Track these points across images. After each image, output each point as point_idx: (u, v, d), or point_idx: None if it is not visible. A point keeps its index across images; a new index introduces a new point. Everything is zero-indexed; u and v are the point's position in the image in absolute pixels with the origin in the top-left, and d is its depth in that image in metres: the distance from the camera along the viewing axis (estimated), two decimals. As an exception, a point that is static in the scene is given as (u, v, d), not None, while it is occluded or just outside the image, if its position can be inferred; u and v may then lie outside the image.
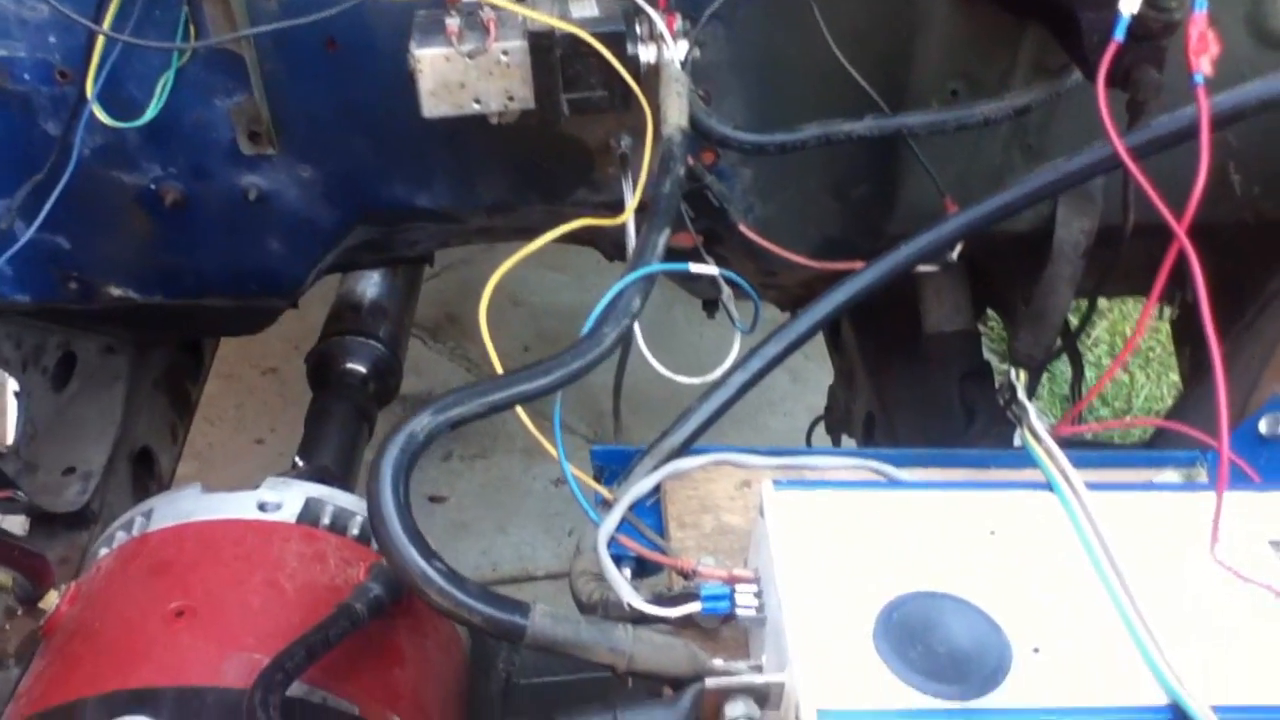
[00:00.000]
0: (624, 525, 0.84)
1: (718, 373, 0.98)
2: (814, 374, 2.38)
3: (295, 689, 0.84)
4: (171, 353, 1.73)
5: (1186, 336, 1.50)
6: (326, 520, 1.06)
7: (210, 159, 1.25)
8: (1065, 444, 0.87)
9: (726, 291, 1.09)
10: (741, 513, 0.90)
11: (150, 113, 1.16)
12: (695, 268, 0.98)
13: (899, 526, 0.75)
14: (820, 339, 1.80)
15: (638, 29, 1.08)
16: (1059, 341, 1.30)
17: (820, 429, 1.84)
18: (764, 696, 0.66)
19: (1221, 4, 0.90)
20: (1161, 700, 0.65)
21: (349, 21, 1.14)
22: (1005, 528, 0.75)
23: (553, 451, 0.84)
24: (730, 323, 1.09)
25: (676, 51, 1.08)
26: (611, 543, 0.83)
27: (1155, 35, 0.94)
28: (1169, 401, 2.62)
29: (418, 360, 2.68)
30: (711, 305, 1.68)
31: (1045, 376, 1.87)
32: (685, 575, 0.79)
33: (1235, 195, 1.25)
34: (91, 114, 1.15)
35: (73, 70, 1.18)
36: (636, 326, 0.90)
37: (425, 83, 1.08)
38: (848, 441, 1.77)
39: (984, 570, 0.71)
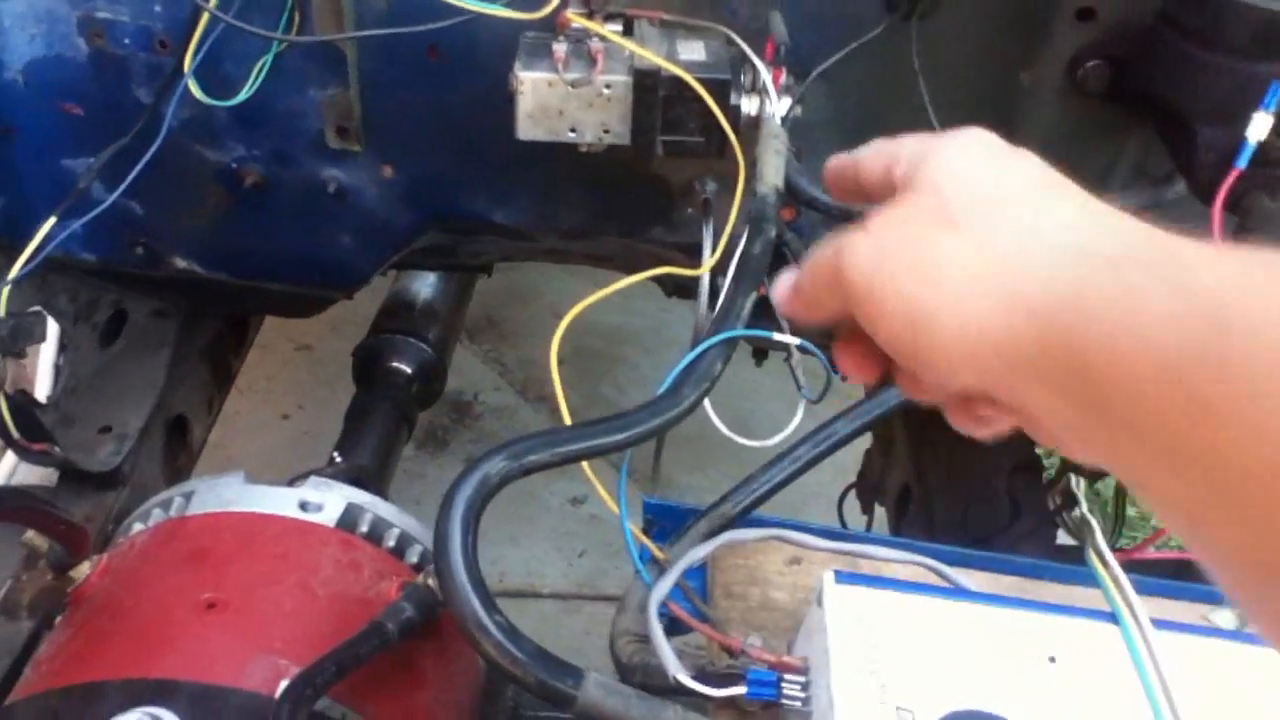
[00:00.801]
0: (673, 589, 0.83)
1: (779, 438, 0.96)
2: (847, 431, 2.36)
3: (316, 703, 0.83)
4: (219, 325, 1.73)
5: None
6: (364, 528, 1.05)
7: (295, 147, 1.25)
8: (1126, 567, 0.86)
9: (796, 357, 1.08)
10: (789, 590, 0.89)
11: (244, 94, 1.16)
12: (779, 337, 0.96)
13: (958, 638, 0.73)
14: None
15: (743, 79, 1.07)
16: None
17: (851, 495, 1.81)
18: (806, 799, 0.65)
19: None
20: None
21: (455, 32, 1.13)
22: (1066, 656, 0.73)
23: (612, 504, 0.83)
24: (796, 388, 1.08)
25: (779, 107, 1.07)
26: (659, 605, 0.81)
27: (1274, 164, 0.92)
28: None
29: (453, 360, 2.68)
30: (761, 354, 1.67)
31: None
32: (731, 653, 0.77)
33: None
34: (186, 87, 1.15)
35: (173, 41, 1.18)
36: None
37: (525, 104, 1.08)
38: (878, 510, 1.75)
39: (1040, 698, 0.70)
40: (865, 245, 0.50)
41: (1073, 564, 0.94)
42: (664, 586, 0.80)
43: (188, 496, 1.07)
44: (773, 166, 1.02)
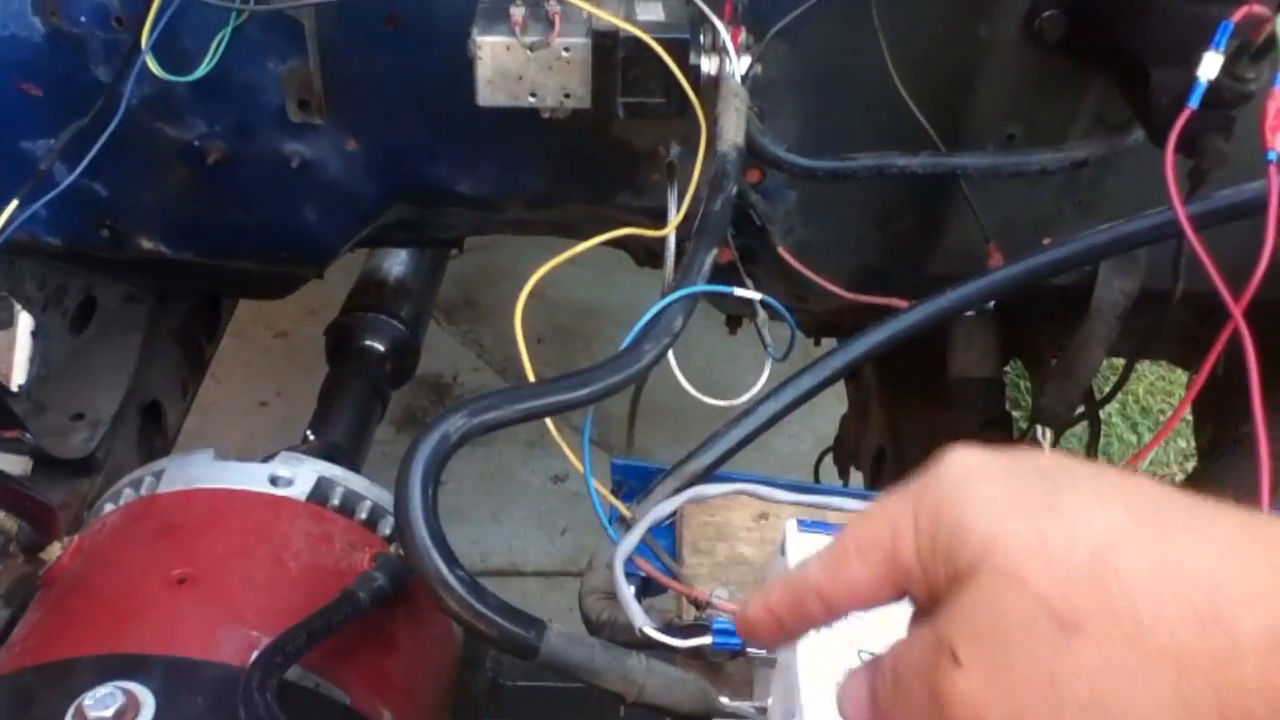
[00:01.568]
0: (639, 545, 0.83)
1: (746, 397, 0.97)
2: (822, 399, 2.35)
3: (288, 672, 0.83)
4: (189, 307, 1.72)
5: (1209, 412, 1.49)
6: (336, 501, 1.05)
7: (257, 121, 1.24)
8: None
9: (762, 316, 1.08)
10: (757, 544, 0.89)
11: (203, 69, 1.15)
12: (740, 292, 0.97)
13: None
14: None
15: (702, 38, 1.07)
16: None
17: (828, 460, 1.82)
18: (771, 741, 0.65)
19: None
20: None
21: (412, 0, 1.13)
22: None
23: (577, 463, 0.83)
24: (762, 347, 1.08)
25: (739, 66, 1.06)
26: (625, 561, 0.82)
27: (1227, 104, 0.93)
28: (1173, 466, 2.61)
29: (430, 340, 2.66)
30: (734, 322, 1.67)
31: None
32: (698, 605, 0.78)
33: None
34: (144, 64, 1.14)
35: (129, 17, 1.16)
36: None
37: (484, 70, 1.07)
38: (855, 474, 1.76)
39: (1005, 636, 0.70)
40: (970, 686, 0.38)
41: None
42: (629, 542, 0.81)
43: (158, 475, 1.07)
44: (733, 125, 1.02)
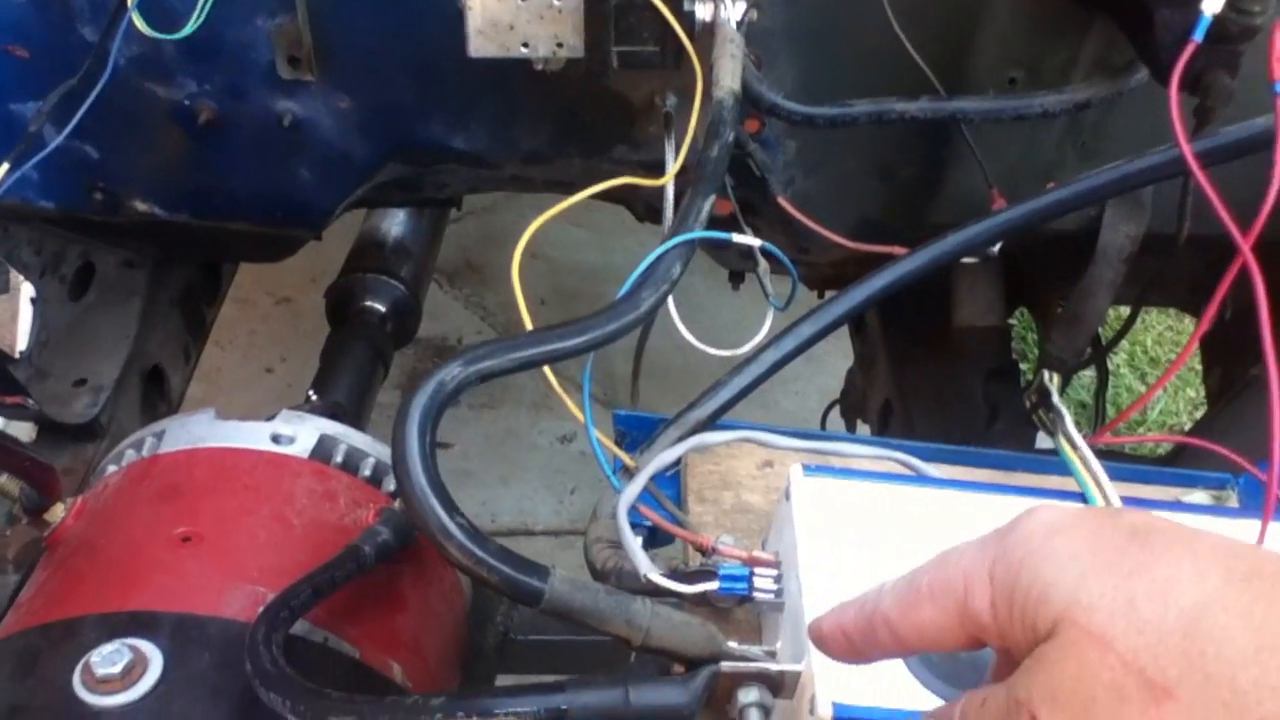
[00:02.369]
0: (643, 495, 0.83)
1: (748, 347, 0.96)
2: (829, 355, 2.36)
3: (297, 627, 0.83)
4: (189, 273, 1.72)
5: (1218, 355, 1.48)
6: (339, 458, 1.05)
7: (247, 80, 1.23)
8: (1098, 455, 0.86)
9: (763, 265, 1.07)
10: (762, 492, 0.89)
11: (190, 26, 1.13)
12: (738, 238, 0.95)
13: (927, 523, 0.73)
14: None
15: (696, -15, 1.05)
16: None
17: (835, 414, 1.82)
18: (779, 685, 0.65)
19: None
20: None
21: (402, -49, 1.11)
22: (1035, 534, 0.73)
23: (577, 413, 0.82)
24: (764, 297, 1.07)
25: (734, 12, 1.05)
26: (630, 510, 0.81)
27: (1233, 39, 0.91)
28: (1183, 416, 2.60)
29: (434, 305, 2.67)
30: (738, 277, 1.66)
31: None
32: (703, 552, 0.77)
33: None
34: (130, 22, 1.12)
35: (115, -26, 1.15)
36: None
37: (474, 20, 1.06)
38: (862, 428, 1.75)
39: (1011, 576, 0.70)
40: None
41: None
42: (633, 489, 0.80)
43: (159, 435, 1.06)
44: (729, 71, 1.00)
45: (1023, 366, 1.68)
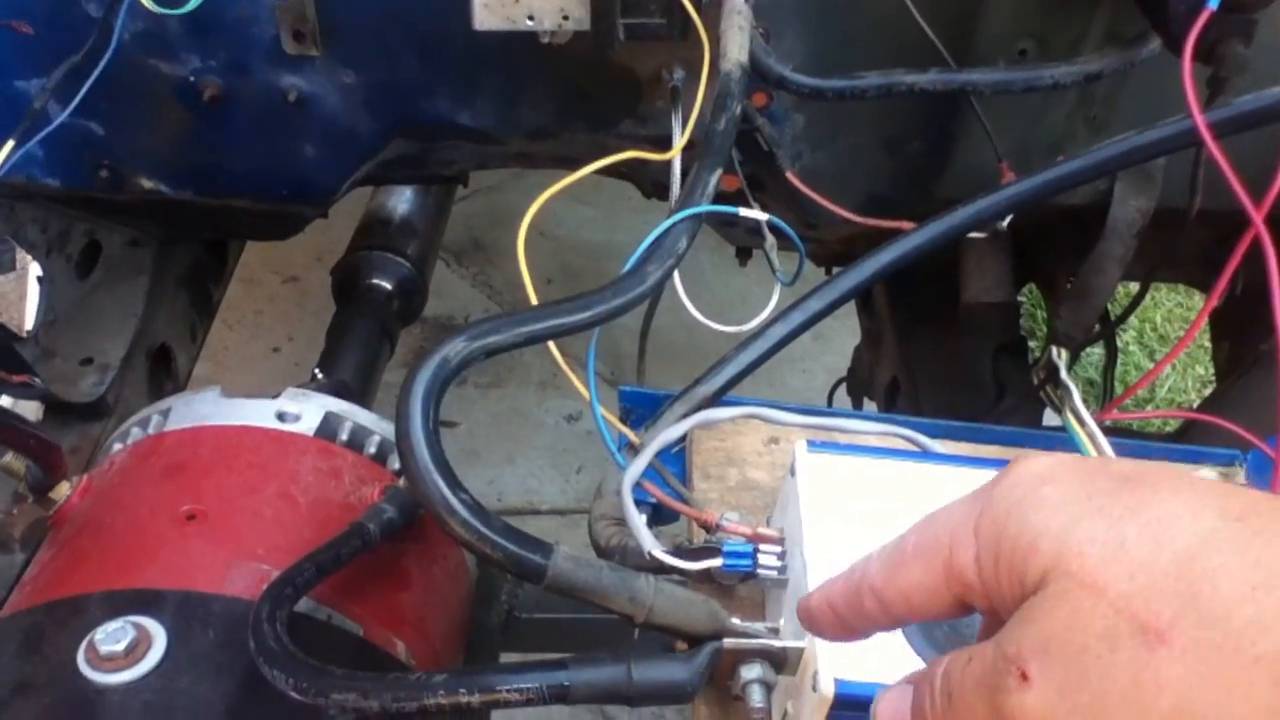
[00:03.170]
0: (648, 471, 0.83)
1: (755, 323, 0.95)
2: (836, 333, 2.35)
3: (301, 604, 0.83)
4: (195, 251, 1.71)
5: (1227, 331, 1.47)
6: (344, 436, 1.04)
7: (252, 56, 1.22)
8: (1105, 431, 0.85)
9: (770, 240, 1.06)
10: (767, 469, 0.88)
11: (194, 2, 1.12)
12: (745, 212, 0.95)
13: (932, 500, 0.72)
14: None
15: (702, -44, 1.04)
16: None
17: (841, 391, 1.81)
18: (781, 661, 0.65)
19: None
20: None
21: (405, -75, 1.10)
22: (1043, 511, 0.72)
23: (583, 390, 0.81)
24: (771, 273, 1.06)
25: (742, -18, 1.03)
26: (634, 487, 0.81)
27: (1248, 7, 0.90)
28: (1191, 394, 2.59)
29: (440, 283, 2.67)
30: (744, 254, 1.65)
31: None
32: (708, 529, 0.77)
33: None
34: (135, -2, 1.11)
35: (117, -50, 1.14)
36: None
37: (479, -8, 1.05)
38: (869, 405, 1.75)
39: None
40: (1042, 704, 0.36)
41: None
42: (638, 465, 0.80)
43: (165, 414, 1.06)
44: (736, 43, 0.99)
45: (1031, 344, 1.66)
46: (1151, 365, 2.63)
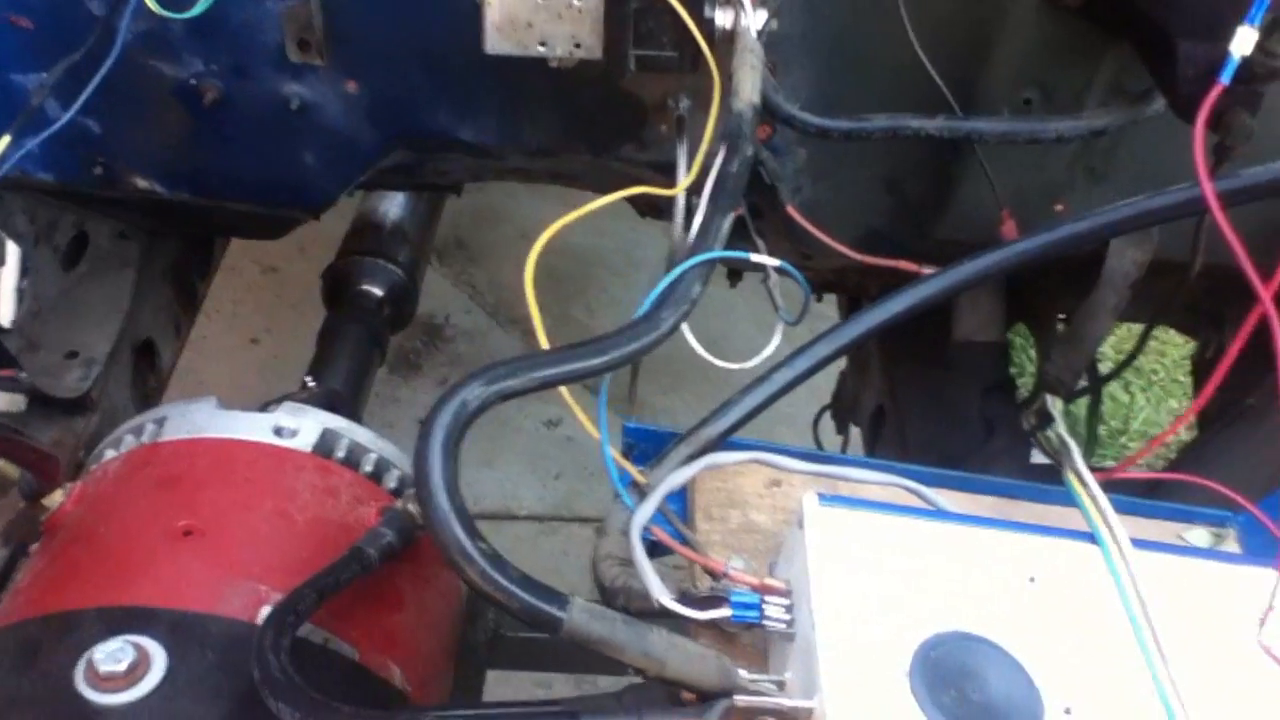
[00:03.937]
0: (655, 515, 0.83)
1: (758, 360, 0.96)
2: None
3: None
4: (181, 245, 1.69)
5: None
6: (341, 453, 1.04)
7: (255, 61, 1.21)
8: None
9: (774, 279, 1.07)
10: (769, 512, 0.89)
11: (200, 6, 1.11)
12: (756, 258, 0.95)
13: (939, 560, 0.73)
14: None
15: (717, -9, 1.04)
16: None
17: (826, 417, 1.82)
18: None
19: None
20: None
21: (419, -59, 1.10)
22: (1046, 576, 0.74)
23: (592, 430, 0.82)
24: (773, 308, 1.06)
25: (755, 20, 1.04)
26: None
27: (1257, 80, 0.91)
28: (1164, 426, 2.63)
29: (423, 282, 2.65)
30: (735, 275, 1.65)
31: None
32: (714, 575, 0.77)
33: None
34: (141, 0, 1.10)
35: (125, -50, 1.12)
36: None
37: (492, 16, 1.05)
38: (854, 431, 1.76)
39: (1022, 619, 0.71)
40: None
41: (1047, 483, 0.94)
42: (647, 510, 0.80)
43: (160, 422, 1.05)
44: (749, 82, 0.99)
45: (1019, 382, 1.68)
46: (1126, 397, 2.67)
